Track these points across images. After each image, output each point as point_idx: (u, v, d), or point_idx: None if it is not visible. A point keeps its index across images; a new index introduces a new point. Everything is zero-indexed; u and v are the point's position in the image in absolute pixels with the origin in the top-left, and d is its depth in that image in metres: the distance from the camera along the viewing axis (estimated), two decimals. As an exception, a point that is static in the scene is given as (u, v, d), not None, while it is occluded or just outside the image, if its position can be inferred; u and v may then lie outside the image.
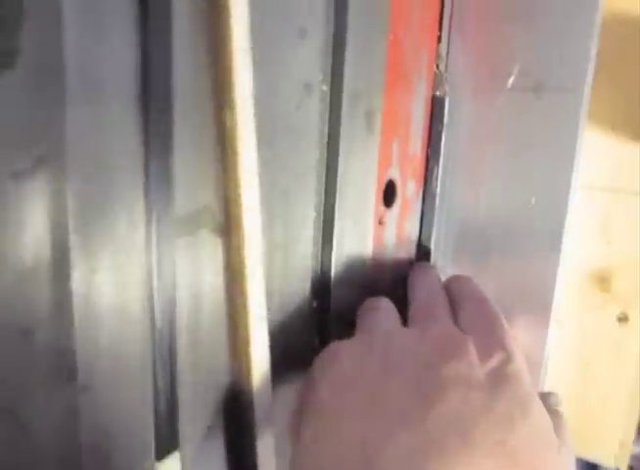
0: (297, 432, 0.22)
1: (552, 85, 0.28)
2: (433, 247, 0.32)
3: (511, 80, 0.29)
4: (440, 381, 0.20)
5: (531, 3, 0.29)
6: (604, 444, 0.47)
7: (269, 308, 0.22)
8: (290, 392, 0.24)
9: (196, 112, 0.19)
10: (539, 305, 0.30)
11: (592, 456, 0.48)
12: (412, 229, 0.31)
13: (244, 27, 0.18)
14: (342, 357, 0.22)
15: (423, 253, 0.32)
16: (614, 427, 0.47)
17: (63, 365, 0.17)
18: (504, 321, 0.24)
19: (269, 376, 0.22)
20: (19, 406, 0.16)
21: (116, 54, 0.16)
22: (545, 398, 0.23)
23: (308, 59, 0.23)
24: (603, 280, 0.47)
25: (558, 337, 0.42)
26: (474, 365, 0.21)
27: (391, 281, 0.30)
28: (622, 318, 0.47)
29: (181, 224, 0.19)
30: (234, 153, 0.19)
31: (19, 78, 0.14)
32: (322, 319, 0.26)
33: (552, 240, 0.30)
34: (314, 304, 0.26)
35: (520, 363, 0.22)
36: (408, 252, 0.31)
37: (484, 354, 0.22)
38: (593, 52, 0.28)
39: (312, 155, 0.24)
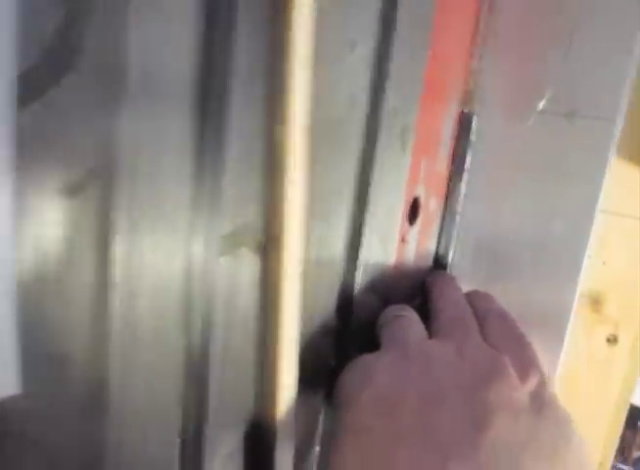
0: (334, 450, 0.21)
1: (585, 112, 0.28)
2: (449, 263, 0.31)
3: (542, 104, 0.29)
4: (488, 404, 0.20)
5: (571, 27, 0.28)
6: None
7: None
8: (303, 410, 0.23)
9: (248, 124, 0.17)
10: (553, 331, 0.30)
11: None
12: (430, 246, 0.31)
13: (307, 35, 0.17)
14: (378, 373, 0.22)
15: (439, 269, 0.31)
16: (594, 448, 0.47)
17: (95, 397, 0.15)
18: (529, 340, 0.24)
19: (294, 402, 0.21)
20: (46, 438, 0.15)
21: (178, 59, 0.15)
22: None
23: (355, 71, 0.22)
24: (596, 301, 0.47)
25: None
26: (516, 387, 0.21)
27: (410, 297, 0.29)
28: (612, 340, 0.47)
29: (224, 242, 0.18)
30: (283, 170, 0.18)
31: (78, 82, 0.13)
32: (342, 338, 0.25)
33: (571, 266, 0.29)
34: (335, 322, 0.25)
35: (552, 384, 0.22)
36: (425, 268, 0.31)
37: (522, 375, 0.22)
38: (629, 82, 0.27)
39: (350, 171, 0.23)
